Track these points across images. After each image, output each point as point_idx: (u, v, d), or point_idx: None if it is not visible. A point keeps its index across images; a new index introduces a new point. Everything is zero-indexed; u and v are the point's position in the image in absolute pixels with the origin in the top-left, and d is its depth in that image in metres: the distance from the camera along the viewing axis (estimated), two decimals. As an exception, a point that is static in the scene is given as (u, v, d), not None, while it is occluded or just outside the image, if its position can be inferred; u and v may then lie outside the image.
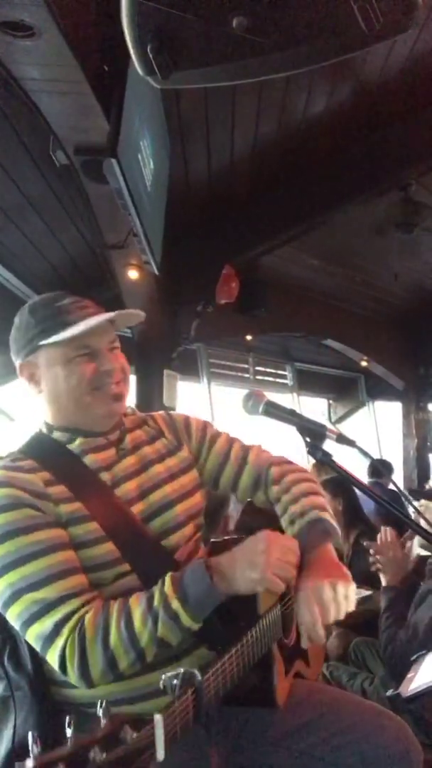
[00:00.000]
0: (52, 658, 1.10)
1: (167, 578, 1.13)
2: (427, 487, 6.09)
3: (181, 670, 0.92)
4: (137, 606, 1.11)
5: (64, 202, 3.00)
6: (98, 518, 1.20)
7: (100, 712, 0.78)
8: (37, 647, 1.12)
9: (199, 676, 0.93)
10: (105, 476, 1.27)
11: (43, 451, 1.28)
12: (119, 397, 1.30)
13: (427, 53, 3.00)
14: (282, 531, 1.37)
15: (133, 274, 3.27)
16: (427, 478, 6.82)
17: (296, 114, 3.17)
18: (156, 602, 1.10)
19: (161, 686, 0.93)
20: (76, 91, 1.77)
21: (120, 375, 1.30)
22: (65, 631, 1.08)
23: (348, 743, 1.27)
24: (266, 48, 1.10)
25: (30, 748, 0.71)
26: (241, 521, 2.74)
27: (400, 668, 2.12)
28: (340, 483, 3.21)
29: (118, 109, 1.85)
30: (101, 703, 0.79)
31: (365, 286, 5.64)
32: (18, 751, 1.14)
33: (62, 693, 1.21)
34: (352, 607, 1.22)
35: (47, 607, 1.09)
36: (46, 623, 1.09)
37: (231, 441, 1.49)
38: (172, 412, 1.53)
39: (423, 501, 2.58)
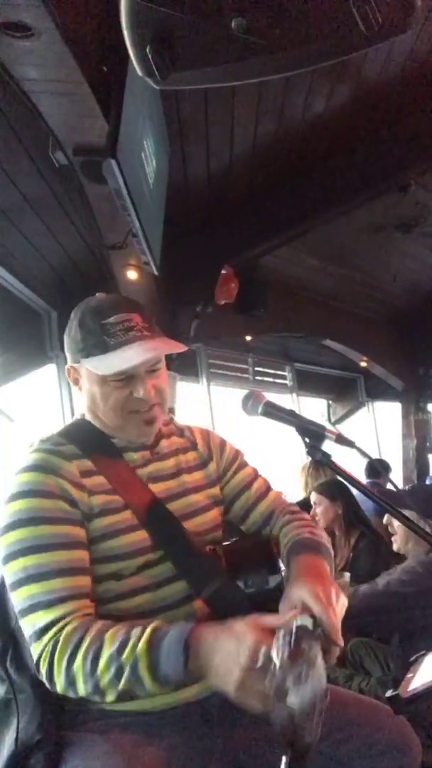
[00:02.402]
0: (34, 655, 1.12)
1: (147, 635, 1.06)
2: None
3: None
4: (110, 645, 1.07)
5: (63, 202, 3.00)
6: (133, 507, 1.25)
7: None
8: (26, 636, 1.14)
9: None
10: (140, 472, 1.32)
11: (86, 438, 1.31)
12: (151, 422, 1.32)
13: (426, 53, 3.00)
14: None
15: (132, 274, 3.27)
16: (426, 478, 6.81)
17: (296, 114, 3.17)
18: (125, 656, 1.05)
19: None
20: (76, 91, 1.77)
21: (155, 399, 1.31)
22: (46, 637, 1.10)
23: (348, 738, 1.28)
24: (266, 48, 1.10)
25: None
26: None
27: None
28: (338, 486, 3.21)
29: (118, 109, 1.84)
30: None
31: (365, 287, 5.64)
32: (22, 754, 1.14)
33: None
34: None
35: (43, 605, 1.12)
36: (37, 621, 1.11)
37: (257, 474, 1.52)
38: (210, 429, 1.55)
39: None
